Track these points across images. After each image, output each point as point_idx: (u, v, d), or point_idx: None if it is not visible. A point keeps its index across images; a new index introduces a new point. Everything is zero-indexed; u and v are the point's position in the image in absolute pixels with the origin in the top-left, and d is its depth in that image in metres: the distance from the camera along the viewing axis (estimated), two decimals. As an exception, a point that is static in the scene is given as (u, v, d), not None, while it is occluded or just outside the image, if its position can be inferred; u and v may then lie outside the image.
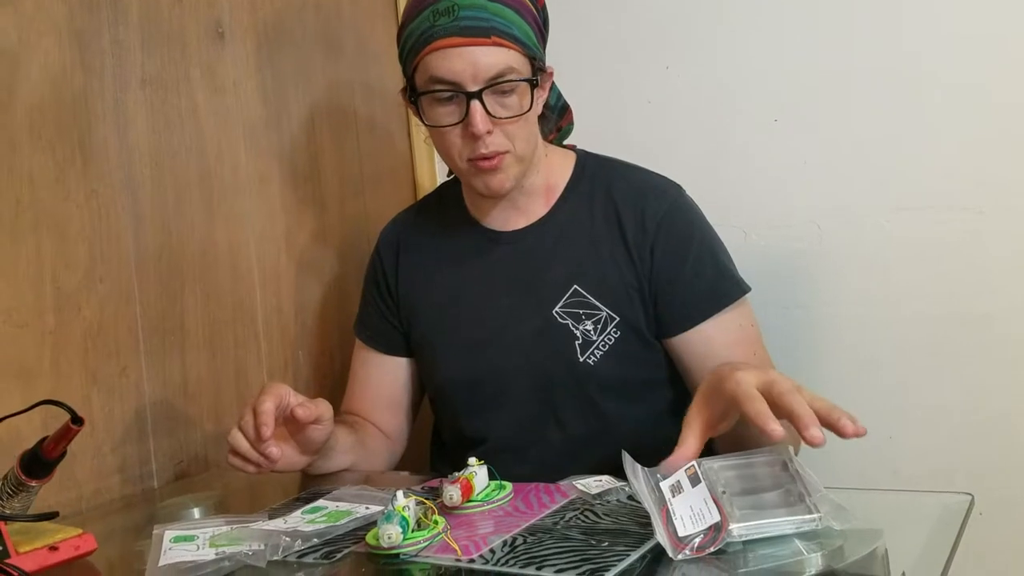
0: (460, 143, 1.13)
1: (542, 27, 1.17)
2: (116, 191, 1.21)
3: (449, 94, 1.11)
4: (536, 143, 1.19)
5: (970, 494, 0.84)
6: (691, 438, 0.88)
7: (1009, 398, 1.32)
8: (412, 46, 1.13)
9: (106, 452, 1.18)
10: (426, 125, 1.16)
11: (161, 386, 1.25)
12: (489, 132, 1.10)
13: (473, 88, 1.09)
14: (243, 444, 1.05)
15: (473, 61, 1.08)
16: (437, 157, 1.70)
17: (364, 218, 1.59)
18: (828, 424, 0.80)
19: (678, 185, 1.23)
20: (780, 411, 0.82)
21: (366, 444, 1.25)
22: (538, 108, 1.18)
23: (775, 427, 0.80)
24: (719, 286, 1.18)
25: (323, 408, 1.08)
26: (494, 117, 1.10)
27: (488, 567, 0.80)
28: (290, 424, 1.07)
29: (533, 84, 1.11)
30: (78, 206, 1.17)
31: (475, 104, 1.09)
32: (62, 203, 1.15)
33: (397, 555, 0.84)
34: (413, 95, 1.15)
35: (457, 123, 1.11)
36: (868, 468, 1.39)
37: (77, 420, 0.89)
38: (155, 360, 1.24)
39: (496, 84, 1.09)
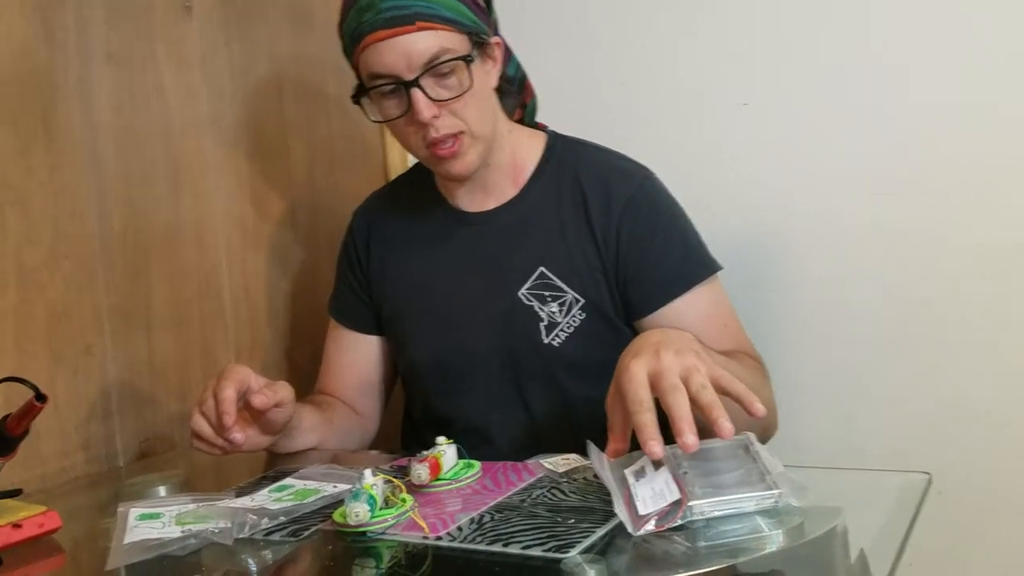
0: (413, 132, 1.13)
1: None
2: (80, 168, 1.19)
3: (390, 86, 1.11)
4: (494, 120, 1.19)
5: (928, 473, 0.86)
6: (613, 442, 0.88)
7: (966, 379, 1.35)
8: (347, 47, 1.14)
9: (70, 430, 1.17)
10: (375, 122, 1.16)
11: (126, 365, 1.24)
12: (436, 116, 1.10)
13: (410, 76, 1.09)
14: (206, 429, 1.05)
15: (403, 51, 1.08)
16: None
17: (334, 196, 1.58)
18: (709, 423, 0.80)
19: (645, 168, 1.23)
20: (667, 408, 0.81)
21: (334, 423, 1.25)
22: (490, 82, 1.17)
23: (654, 447, 0.79)
24: (688, 264, 1.18)
25: (283, 393, 1.08)
26: (437, 100, 1.10)
27: (455, 544, 0.81)
28: (251, 407, 1.07)
29: (468, 60, 1.10)
30: (41, 183, 1.15)
31: (415, 92, 1.09)
32: (25, 179, 1.13)
33: (364, 533, 0.84)
34: (359, 95, 1.15)
35: (404, 114, 1.11)
36: (829, 448, 1.41)
37: (41, 397, 0.88)
38: (120, 338, 1.23)
39: (431, 68, 1.09)
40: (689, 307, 1.17)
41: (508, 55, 1.26)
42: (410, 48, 1.08)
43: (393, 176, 1.67)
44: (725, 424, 0.79)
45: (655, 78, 1.53)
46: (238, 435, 1.04)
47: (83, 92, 1.20)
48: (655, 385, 0.83)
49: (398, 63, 1.08)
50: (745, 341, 1.20)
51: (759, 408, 0.82)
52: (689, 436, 0.79)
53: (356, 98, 1.15)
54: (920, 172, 1.36)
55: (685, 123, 1.51)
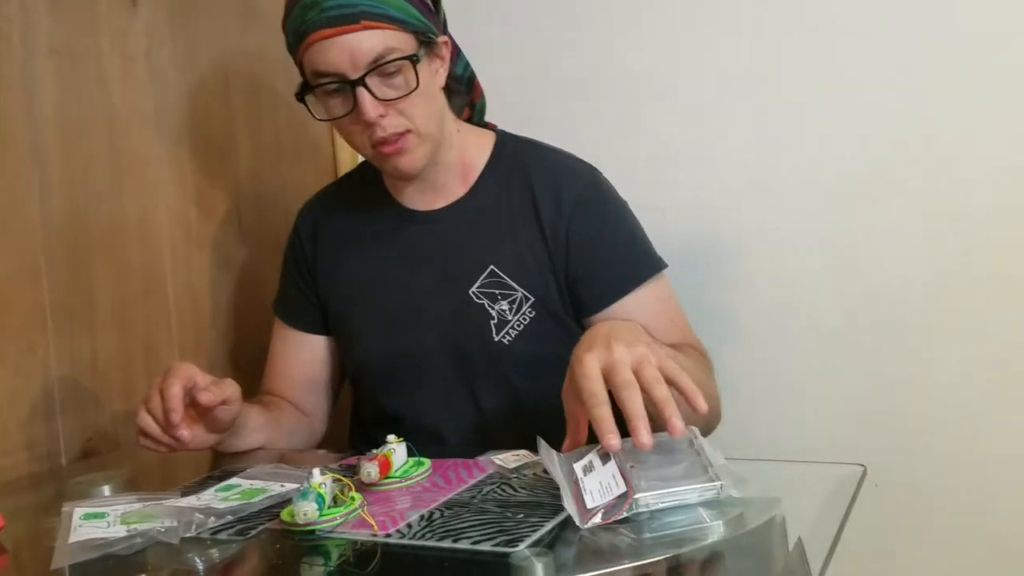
0: (359, 131, 1.13)
1: None
2: (22, 161, 1.17)
3: (335, 85, 1.10)
4: (441, 119, 1.19)
5: (862, 465, 0.89)
6: (570, 436, 0.91)
7: (904, 377, 1.39)
8: (291, 44, 1.13)
9: (12, 429, 1.14)
10: (320, 120, 1.16)
11: (69, 363, 1.22)
12: (382, 116, 1.10)
13: (355, 76, 1.08)
14: (153, 427, 1.04)
15: (348, 49, 1.07)
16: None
17: (281, 192, 1.57)
18: (661, 421, 0.82)
19: (593, 167, 1.25)
20: (621, 405, 0.83)
21: (281, 423, 1.24)
22: (438, 81, 1.17)
23: (611, 441, 0.82)
24: (636, 263, 1.20)
25: (229, 390, 1.08)
26: (383, 100, 1.10)
27: (405, 541, 0.81)
28: (198, 405, 1.06)
29: (415, 60, 1.10)
30: (-20, 176, 1.12)
31: (360, 91, 1.09)
32: (-38, 173, 1.11)
33: (312, 531, 0.84)
34: (303, 92, 1.14)
35: (349, 113, 1.11)
36: (770, 441, 1.45)
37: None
38: (62, 336, 1.21)
39: (377, 67, 1.08)
40: (637, 305, 1.19)
41: (456, 54, 1.26)
42: (355, 47, 1.07)
43: (342, 171, 1.66)
44: (677, 424, 0.82)
45: (605, 78, 1.54)
46: (184, 432, 1.03)
47: (26, 84, 1.18)
48: (608, 379, 0.85)
49: (343, 62, 1.08)
50: (692, 336, 1.22)
51: (701, 405, 0.84)
52: (644, 435, 0.81)
53: (300, 96, 1.15)
54: (863, 175, 1.40)
55: (634, 123, 1.53)
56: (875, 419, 1.41)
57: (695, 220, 1.49)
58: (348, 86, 1.09)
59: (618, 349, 0.86)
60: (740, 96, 1.46)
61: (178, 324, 1.38)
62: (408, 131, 1.13)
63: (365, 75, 1.08)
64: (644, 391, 0.83)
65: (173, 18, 1.39)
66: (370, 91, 1.09)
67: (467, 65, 1.29)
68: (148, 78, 1.35)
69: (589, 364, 0.86)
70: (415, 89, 1.10)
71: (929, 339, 1.37)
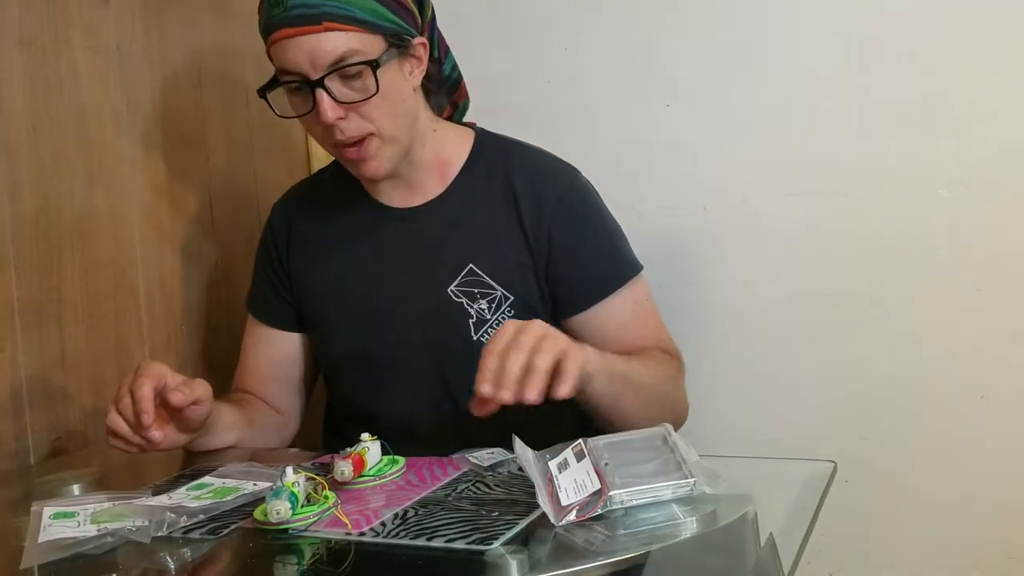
0: (321, 131, 1.13)
1: None
2: (-12, 155, 1.15)
3: (296, 84, 1.10)
4: (411, 121, 1.17)
5: (833, 462, 0.90)
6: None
7: (874, 374, 1.41)
8: (263, 38, 1.13)
9: (-22, 428, 1.13)
10: (280, 117, 1.15)
11: (37, 359, 1.20)
12: (341, 118, 1.09)
13: (314, 76, 1.08)
14: (123, 427, 1.03)
15: (308, 50, 1.07)
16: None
17: (254, 188, 1.56)
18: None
19: (574, 168, 1.25)
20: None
21: (254, 421, 1.23)
22: (411, 83, 1.16)
23: (483, 388, 0.91)
24: (614, 267, 1.21)
25: (200, 390, 1.06)
26: (342, 103, 1.09)
27: (379, 539, 0.81)
28: (168, 405, 1.05)
29: (375, 66, 1.08)
30: (-54, 170, 1.11)
31: (319, 93, 1.08)
32: (-72, 167, 1.09)
33: (286, 530, 0.84)
34: (270, 87, 1.13)
35: (309, 112, 1.10)
36: (742, 438, 1.46)
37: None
38: (31, 332, 1.19)
39: (337, 70, 1.07)
40: (615, 308, 1.20)
41: (445, 53, 1.26)
42: (315, 48, 1.07)
43: (316, 168, 1.65)
44: (483, 388, 0.92)
45: (580, 77, 1.55)
46: (156, 433, 1.02)
47: (-8, 77, 1.16)
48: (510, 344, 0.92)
49: (302, 62, 1.07)
50: (664, 337, 1.23)
51: (483, 389, 0.92)
52: (486, 386, 0.91)
53: (264, 91, 1.14)
54: (832, 173, 1.41)
55: (609, 122, 1.54)
56: (846, 415, 1.42)
57: (669, 217, 1.50)
58: (308, 86, 1.08)
59: (508, 325, 0.95)
60: (714, 95, 1.47)
61: (148, 321, 1.36)
62: (371, 135, 1.12)
63: (324, 76, 1.07)
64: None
65: (145, 12, 1.37)
66: (329, 93, 1.08)
67: (454, 66, 1.28)
68: (119, 72, 1.33)
69: (507, 325, 0.94)
70: (375, 94, 1.09)
71: (900, 335, 1.39)
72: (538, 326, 0.95)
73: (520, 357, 0.91)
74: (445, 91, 1.28)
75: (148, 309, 1.36)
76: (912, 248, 1.37)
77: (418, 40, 1.16)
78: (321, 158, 1.66)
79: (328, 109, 1.08)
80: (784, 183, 1.44)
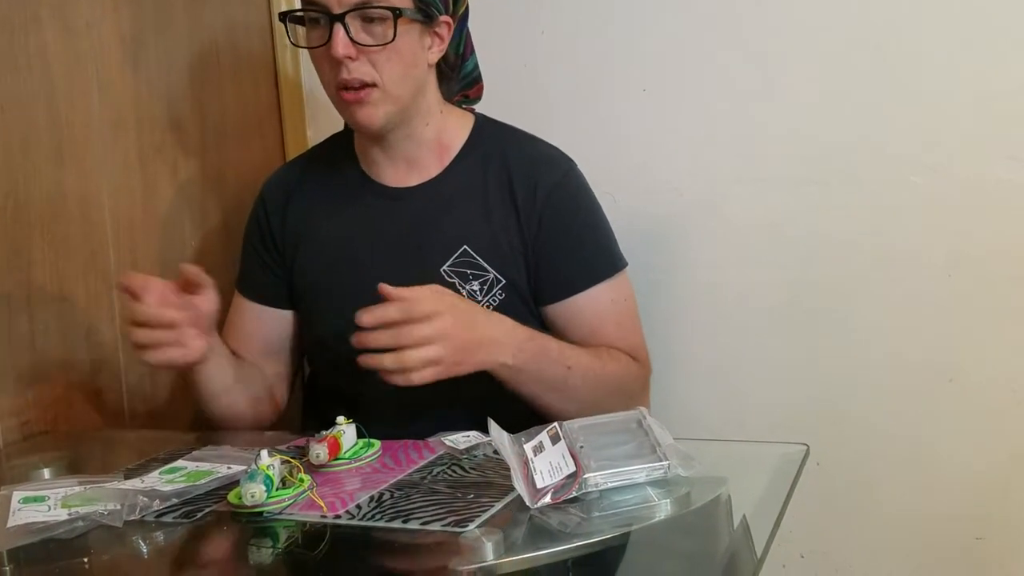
0: (329, 70, 1.15)
1: None
2: (-46, 135, 1.13)
3: (316, 15, 1.12)
4: (417, 89, 1.19)
5: (806, 444, 0.91)
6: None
7: (845, 359, 1.42)
8: None
9: (-55, 412, 1.11)
10: (295, 46, 1.19)
11: (6, 342, 1.18)
12: (350, 58, 1.12)
13: (337, 11, 1.10)
14: (148, 334, 1.05)
15: None
16: (307, 108, 1.66)
17: (228, 170, 1.54)
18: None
19: (570, 159, 1.26)
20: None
21: (245, 367, 1.24)
22: (426, 56, 1.18)
23: (361, 315, 0.99)
24: (595, 261, 1.22)
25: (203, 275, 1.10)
26: (357, 43, 1.11)
27: (354, 522, 0.81)
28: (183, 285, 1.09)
29: (397, 14, 1.11)
30: (-89, 150, 1.08)
31: (336, 27, 1.10)
32: None
33: (261, 513, 0.84)
34: (288, 15, 1.17)
35: (322, 45, 1.13)
36: (716, 421, 1.47)
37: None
38: (0, 316, 1.18)
39: (360, 9, 1.10)
40: (589, 303, 1.21)
41: (470, 52, 1.29)
42: None
43: (290, 151, 1.64)
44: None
45: (556, 62, 1.54)
46: (177, 315, 1.05)
47: (-42, 55, 1.14)
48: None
49: None
50: (636, 343, 1.24)
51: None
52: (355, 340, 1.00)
53: (284, 16, 1.17)
54: (806, 162, 1.41)
55: (584, 107, 1.53)
56: (818, 399, 1.44)
57: (643, 203, 1.50)
58: (328, 19, 1.11)
59: (410, 290, 1.02)
60: (691, 80, 1.47)
61: (121, 303, 1.34)
62: (374, 85, 1.13)
63: (346, 13, 1.10)
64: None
65: (116, -10, 1.35)
66: (346, 29, 1.10)
67: (476, 66, 1.30)
68: (90, 51, 1.31)
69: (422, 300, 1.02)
70: (389, 43, 1.11)
71: (871, 321, 1.40)
72: (446, 326, 1.02)
73: (394, 360, 1.00)
74: (461, 85, 1.30)
75: (119, 292, 1.35)
76: (883, 234, 1.39)
77: (443, 18, 1.18)
78: (295, 141, 1.65)
79: (340, 44, 1.10)
80: (758, 169, 1.44)
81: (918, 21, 1.34)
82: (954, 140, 1.34)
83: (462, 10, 1.24)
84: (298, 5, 1.19)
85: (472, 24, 1.30)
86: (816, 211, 1.42)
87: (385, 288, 1.01)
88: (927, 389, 1.38)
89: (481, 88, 1.33)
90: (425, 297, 1.02)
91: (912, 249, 1.37)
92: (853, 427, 1.42)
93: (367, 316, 1.00)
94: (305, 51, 1.24)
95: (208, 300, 1.10)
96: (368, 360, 1.00)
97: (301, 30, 1.17)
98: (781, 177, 1.43)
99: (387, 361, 1.00)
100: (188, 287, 1.10)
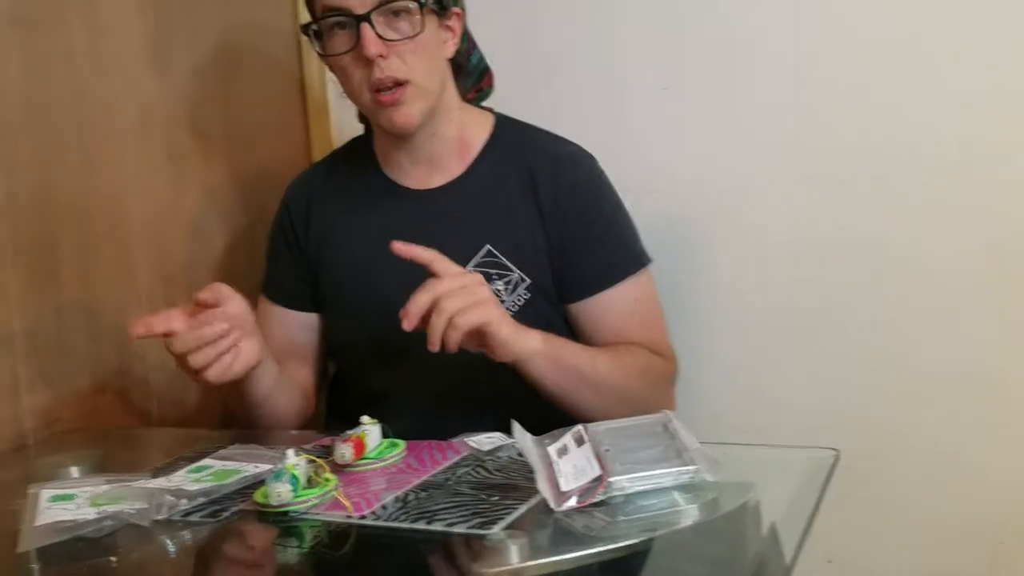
0: (359, 74, 1.14)
1: None
2: (-15, 136, 1.14)
3: (340, 20, 1.12)
4: (443, 82, 1.20)
5: (835, 449, 0.90)
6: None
7: (871, 360, 1.41)
8: None
9: (-25, 410, 1.12)
10: (323, 56, 1.17)
11: (35, 342, 1.19)
12: (382, 56, 1.11)
13: (361, 11, 1.10)
14: (204, 353, 1.03)
15: None
16: (332, 110, 1.67)
17: (253, 172, 1.54)
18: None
19: (592, 156, 1.26)
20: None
21: (285, 377, 1.23)
22: (444, 51, 1.18)
23: (403, 324, 0.99)
24: (620, 259, 1.22)
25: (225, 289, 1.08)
26: (385, 40, 1.11)
27: (379, 523, 0.81)
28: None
29: (422, 4, 1.11)
30: (-57, 151, 1.10)
31: (364, 27, 1.10)
32: (-75, 147, 1.08)
33: (287, 513, 0.84)
34: (309, 28, 1.16)
35: (350, 50, 1.12)
36: (743, 425, 1.46)
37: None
38: (28, 315, 1.19)
39: (384, 5, 1.10)
40: (613, 301, 1.21)
41: (473, 47, 1.28)
42: None
43: (316, 153, 1.65)
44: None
45: (578, 59, 1.54)
46: (220, 325, 1.03)
47: (-12, 57, 1.15)
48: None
49: None
50: (660, 339, 1.24)
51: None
52: (406, 324, 0.99)
53: (306, 28, 1.16)
54: (829, 158, 1.40)
55: (606, 105, 1.53)
56: (844, 402, 1.42)
57: (665, 201, 1.49)
58: (353, 21, 1.10)
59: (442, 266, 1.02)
60: (706, 81, 1.46)
61: (148, 304, 1.35)
62: (407, 82, 1.13)
63: (371, 11, 1.10)
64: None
65: (143, -9, 1.36)
66: (374, 28, 1.10)
67: (481, 58, 1.30)
68: (117, 53, 1.32)
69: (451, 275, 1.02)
70: (419, 33, 1.12)
71: (898, 323, 1.39)
72: (484, 290, 1.02)
73: (441, 319, 0.98)
74: (473, 78, 1.30)
75: (148, 293, 1.36)
76: (910, 235, 1.37)
77: (455, 10, 1.19)
78: (321, 144, 1.66)
79: (371, 43, 1.10)
80: (781, 168, 1.43)
81: (947, 20, 1.33)
82: (983, 140, 1.32)
83: (462, 3, 1.24)
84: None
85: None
86: (842, 211, 1.40)
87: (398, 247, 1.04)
88: (955, 393, 1.37)
89: (491, 77, 1.32)
90: (445, 259, 1.04)
91: (941, 251, 1.36)
92: (880, 430, 1.40)
93: (400, 245, 1.03)
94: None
95: (235, 305, 1.08)
96: (409, 314, 0.99)
97: (327, 39, 1.15)
98: (805, 176, 1.42)
99: (435, 320, 0.98)
100: (208, 306, 1.06)
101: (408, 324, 0.99)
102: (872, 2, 1.36)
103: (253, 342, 1.08)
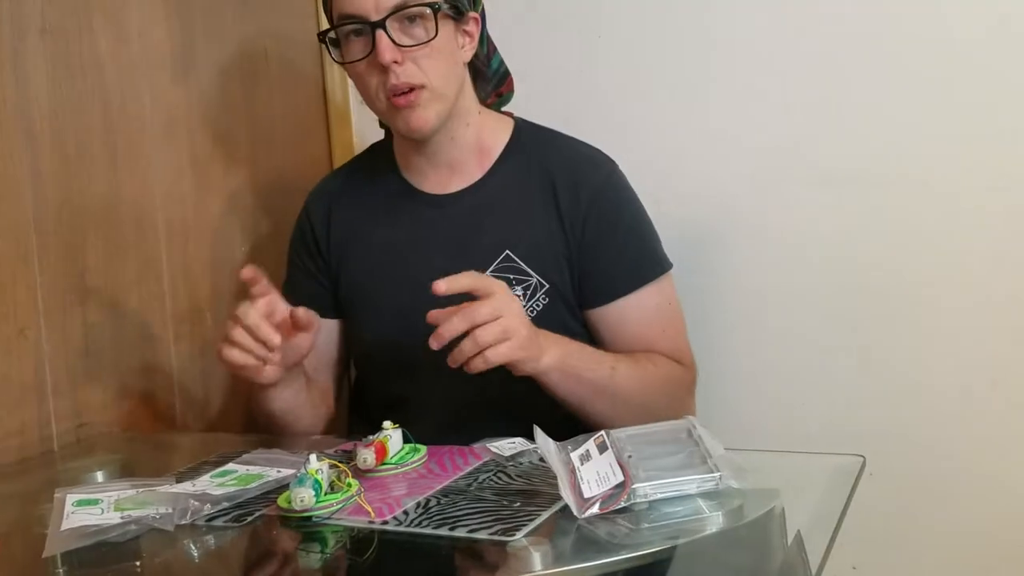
0: (375, 79, 1.15)
1: None
2: (14, 143, 1.16)
3: (356, 27, 1.12)
4: (460, 86, 1.19)
5: (861, 456, 0.89)
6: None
7: (900, 366, 1.39)
8: None
9: (3, 415, 1.13)
10: (340, 63, 1.18)
11: (61, 346, 1.21)
12: (397, 62, 1.12)
13: (376, 18, 1.10)
14: (243, 358, 1.07)
15: None
16: (354, 115, 1.68)
17: (276, 176, 1.55)
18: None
19: (612, 160, 1.26)
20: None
21: (310, 388, 1.24)
22: (462, 54, 1.18)
23: (431, 340, 0.99)
24: (641, 264, 1.21)
25: (314, 315, 1.11)
26: (400, 46, 1.11)
27: (402, 528, 0.81)
28: (290, 323, 1.10)
29: (436, 8, 1.11)
30: (-28, 158, 1.11)
31: (379, 33, 1.10)
32: (-46, 154, 1.09)
33: (309, 518, 0.84)
34: (325, 35, 1.17)
35: (366, 57, 1.13)
36: (767, 431, 1.45)
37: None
38: (55, 320, 1.20)
39: (398, 12, 1.10)
40: (634, 307, 1.20)
41: (493, 51, 1.28)
42: None
43: (337, 158, 1.65)
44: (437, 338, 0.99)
45: (606, 65, 1.53)
46: (277, 338, 1.06)
47: (17, 64, 1.16)
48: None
49: (366, 3, 1.10)
50: (681, 346, 1.23)
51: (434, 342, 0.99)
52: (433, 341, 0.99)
53: (323, 35, 1.17)
54: (864, 161, 1.39)
55: (635, 109, 1.52)
56: (869, 407, 1.41)
57: (693, 206, 1.48)
58: (368, 28, 1.11)
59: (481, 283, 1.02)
60: (735, 89, 1.45)
61: (173, 308, 1.36)
62: (423, 86, 1.14)
63: (386, 18, 1.10)
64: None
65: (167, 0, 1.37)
66: (388, 34, 1.10)
67: (501, 62, 1.30)
68: (142, 59, 1.33)
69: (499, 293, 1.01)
70: (433, 38, 1.12)
71: (923, 327, 1.37)
72: (517, 322, 1.01)
73: (473, 347, 0.99)
74: (493, 83, 1.30)
75: (172, 296, 1.37)
76: (936, 239, 1.35)
77: (472, 15, 1.19)
78: (342, 149, 1.66)
79: (386, 50, 1.10)
80: (813, 171, 1.42)
81: (974, 26, 1.31)
82: (1014, 140, 1.30)
83: (480, 9, 1.24)
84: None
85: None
86: (868, 215, 1.39)
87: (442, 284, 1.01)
88: (982, 401, 1.35)
89: (512, 82, 1.32)
90: (482, 276, 1.04)
91: (969, 256, 1.34)
92: (905, 436, 1.39)
93: (442, 284, 0.99)
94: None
95: (306, 340, 1.12)
96: (441, 338, 1.00)
97: (343, 46, 1.16)
98: (830, 180, 1.40)
99: (466, 346, 0.99)
100: (295, 326, 1.11)
101: (437, 345, 0.99)
102: (898, 2, 1.35)
103: (274, 372, 1.11)
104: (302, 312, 1.09)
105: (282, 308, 1.09)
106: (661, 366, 1.18)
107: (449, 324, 0.98)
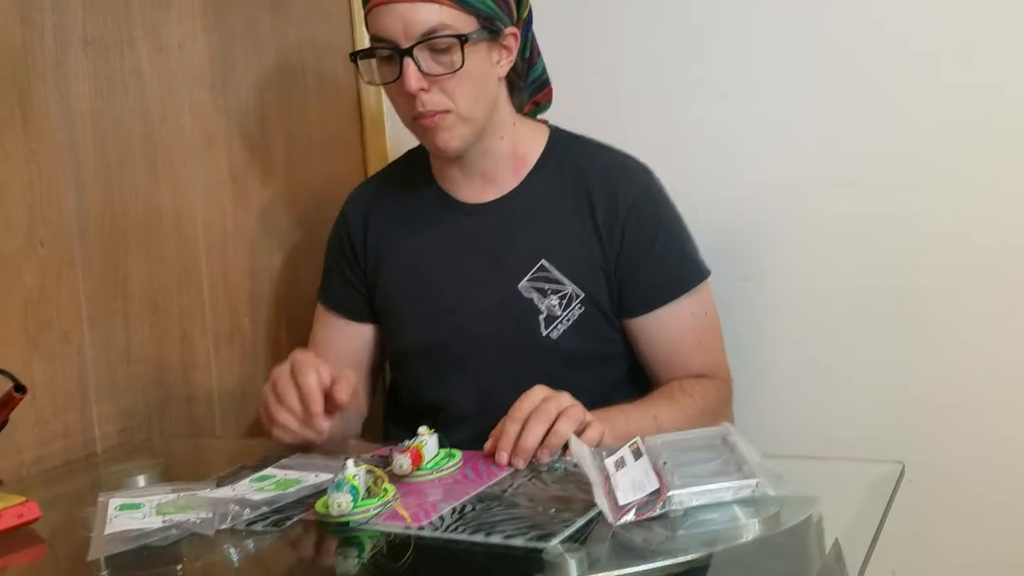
0: (403, 102, 1.15)
1: None
2: (57, 153, 1.18)
3: (387, 52, 1.12)
4: (491, 106, 1.19)
5: (901, 462, 0.88)
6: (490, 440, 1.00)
7: (939, 370, 1.37)
8: (363, 4, 1.15)
9: (48, 419, 1.16)
10: (369, 83, 1.19)
11: (104, 352, 1.23)
12: (423, 90, 1.12)
13: (405, 45, 1.10)
14: (292, 422, 1.04)
15: (404, 18, 1.09)
16: (388, 123, 1.69)
17: (314, 184, 1.57)
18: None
19: (648, 168, 1.25)
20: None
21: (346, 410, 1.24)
22: (496, 71, 1.18)
23: (501, 456, 0.97)
24: (680, 273, 1.21)
25: (353, 378, 1.08)
26: (428, 75, 1.11)
27: (438, 534, 0.81)
28: (331, 401, 1.07)
29: (463, 40, 1.10)
30: (17, 168, 1.14)
31: (407, 61, 1.10)
32: (0, 164, 1.12)
33: (347, 523, 0.85)
34: (358, 54, 1.17)
35: (394, 80, 1.13)
36: (804, 437, 1.43)
37: (20, 388, 0.88)
38: (97, 326, 1.22)
39: (427, 40, 1.10)
40: (672, 318, 1.20)
41: (538, 56, 1.28)
42: (409, 16, 1.09)
43: (371, 166, 1.66)
44: (502, 456, 0.97)
45: (636, 67, 1.53)
46: (325, 423, 1.04)
47: (59, 76, 1.18)
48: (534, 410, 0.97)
49: (396, 29, 1.10)
50: (718, 359, 1.23)
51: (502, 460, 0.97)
52: (503, 455, 0.97)
53: (355, 56, 1.18)
54: (895, 164, 1.37)
55: (666, 113, 1.51)
56: (909, 412, 1.39)
57: (727, 209, 1.47)
58: (397, 55, 1.11)
59: (535, 393, 0.99)
60: (769, 88, 1.44)
61: (212, 315, 1.38)
62: (448, 111, 1.14)
63: (414, 46, 1.10)
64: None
65: (205, 11, 1.39)
66: (416, 63, 1.10)
67: (544, 70, 1.30)
68: (181, 70, 1.35)
69: (534, 391, 0.99)
70: (459, 70, 1.11)
71: (965, 333, 1.35)
72: (565, 397, 0.99)
73: (539, 427, 0.96)
74: (530, 91, 1.29)
75: (212, 303, 1.39)
76: (979, 240, 1.33)
77: (510, 30, 1.18)
78: (376, 157, 1.67)
79: (412, 78, 1.10)
80: (845, 174, 1.40)
81: (998, 29, 1.29)
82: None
83: (525, 14, 1.23)
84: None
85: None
86: (908, 215, 1.37)
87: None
88: (1022, 402, 1.32)
89: (550, 91, 1.32)
90: (524, 399, 1.00)
91: (1010, 256, 1.32)
92: (948, 442, 1.37)
93: (503, 454, 0.98)
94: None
95: (343, 392, 1.08)
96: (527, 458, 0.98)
97: (373, 64, 1.16)
98: (869, 183, 1.39)
99: (547, 452, 0.97)
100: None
101: (522, 464, 0.97)
102: (937, 6, 1.33)
103: (324, 426, 1.07)
104: (342, 395, 1.05)
105: (326, 375, 1.06)
106: (697, 396, 1.17)
107: (529, 435, 0.97)
